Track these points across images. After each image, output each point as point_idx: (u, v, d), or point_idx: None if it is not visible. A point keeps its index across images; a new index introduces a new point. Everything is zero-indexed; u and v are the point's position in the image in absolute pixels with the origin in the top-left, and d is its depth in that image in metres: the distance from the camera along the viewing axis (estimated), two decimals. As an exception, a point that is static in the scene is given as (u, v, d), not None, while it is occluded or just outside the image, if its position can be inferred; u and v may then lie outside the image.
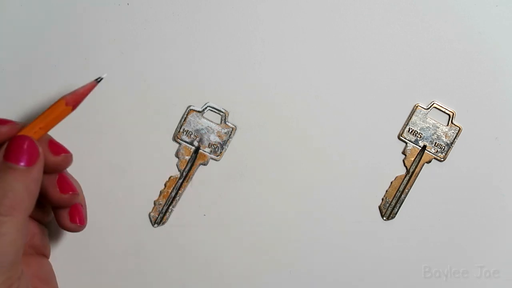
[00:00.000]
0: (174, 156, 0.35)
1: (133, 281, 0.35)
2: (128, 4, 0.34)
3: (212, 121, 0.35)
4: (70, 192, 0.30)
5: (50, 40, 0.34)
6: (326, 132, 0.35)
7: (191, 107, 0.35)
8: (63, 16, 0.34)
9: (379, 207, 0.36)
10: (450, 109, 0.35)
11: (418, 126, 0.35)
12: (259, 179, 0.35)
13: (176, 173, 0.35)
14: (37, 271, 0.31)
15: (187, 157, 0.35)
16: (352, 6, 0.35)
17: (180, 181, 0.35)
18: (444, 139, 0.35)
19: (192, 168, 0.35)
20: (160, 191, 0.35)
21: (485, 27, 0.35)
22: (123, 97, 0.35)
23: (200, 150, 0.35)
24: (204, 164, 0.35)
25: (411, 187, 0.35)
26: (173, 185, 0.35)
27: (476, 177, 0.36)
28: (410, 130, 0.35)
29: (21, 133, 0.28)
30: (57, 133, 0.34)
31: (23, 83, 0.34)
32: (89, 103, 0.34)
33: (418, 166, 0.35)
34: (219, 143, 0.35)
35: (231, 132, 0.35)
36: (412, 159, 0.35)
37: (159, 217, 0.35)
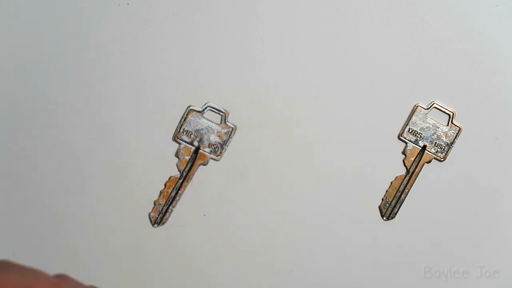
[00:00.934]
0: (174, 156, 0.35)
1: (133, 281, 0.35)
2: (128, 4, 0.34)
3: (212, 121, 0.35)
4: None
5: (50, 40, 0.34)
6: (326, 132, 0.35)
7: (191, 107, 0.35)
8: (63, 16, 0.34)
9: (379, 207, 0.36)
10: (450, 109, 0.35)
11: (418, 126, 0.35)
12: (259, 179, 0.35)
13: (176, 173, 0.35)
14: None
15: (187, 157, 0.35)
16: (352, 6, 0.35)
17: (180, 181, 0.35)
18: (444, 139, 0.35)
19: (192, 168, 0.35)
20: (160, 191, 0.35)
21: (485, 27, 0.35)
22: (123, 97, 0.35)
23: (200, 150, 0.35)
24: (204, 164, 0.35)
25: (411, 187, 0.35)
26: (173, 185, 0.35)
27: (476, 177, 0.36)
28: (410, 130, 0.35)
29: None
30: (57, 133, 0.34)
31: (23, 83, 0.34)
32: (89, 103, 0.35)
33: (418, 166, 0.35)
34: (219, 143, 0.35)
35: (231, 132, 0.35)
36: (412, 159, 0.35)
37: (159, 217, 0.35)
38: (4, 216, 0.35)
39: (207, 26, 0.35)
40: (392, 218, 0.36)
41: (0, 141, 0.35)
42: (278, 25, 0.35)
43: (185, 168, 0.35)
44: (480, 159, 0.35)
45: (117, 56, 0.34)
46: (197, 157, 0.35)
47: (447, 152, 0.35)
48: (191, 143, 0.35)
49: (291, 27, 0.35)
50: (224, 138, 0.35)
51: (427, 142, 0.35)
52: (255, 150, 0.35)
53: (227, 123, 0.35)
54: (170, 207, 0.35)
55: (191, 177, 0.35)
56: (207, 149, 0.35)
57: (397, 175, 0.35)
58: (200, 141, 0.35)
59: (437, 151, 0.35)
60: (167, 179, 0.35)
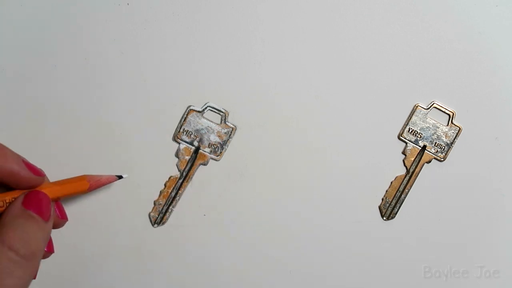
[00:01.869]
0: (174, 156, 0.35)
1: (133, 281, 0.35)
2: (128, 4, 0.34)
3: (212, 121, 0.35)
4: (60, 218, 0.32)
5: (50, 40, 0.34)
6: (326, 132, 0.35)
7: (191, 107, 0.35)
8: (63, 16, 0.34)
9: (379, 207, 0.36)
10: (450, 109, 0.35)
11: (418, 126, 0.35)
12: (259, 179, 0.35)
13: (176, 173, 0.35)
14: None
15: (187, 157, 0.35)
16: (352, 6, 0.35)
17: (180, 181, 0.35)
18: (444, 139, 0.35)
19: (192, 168, 0.35)
20: (160, 191, 0.35)
21: (485, 27, 0.35)
22: (123, 97, 0.35)
23: (200, 150, 0.35)
24: (204, 164, 0.35)
25: (411, 187, 0.35)
26: (173, 185, 0.35)
27: (476, 177, 0.36)
28: (410, 130, 0.35)
29: (43, 190, 0.29)
30: (57, 133, 0.34)
31: (23, 83, 0.34)
32: (90, 103, 0.35)
33: (418, 166, 0.35)
34: (219, 143, 0.35)
35: (231, 132, 0.35)
36: (412, 159, 0.35)
37: (159, 217, 0.35)
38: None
39: (207, 26, 0.35)
40: (392, 218, 0.36)
41: (0, 141, 0.35)
42: (278, 25, 0.35)
43: (185, 168, 0.35)
44: (480, 159, 0.35)
45: (117, 56, 0.34)
46: (197, 157, 0.35)
47: (447, 152, 0.35)
48: (191, 143, 0.35)
49: (291, 27, 0.35)
50: (224, 138, 0.35)
51: (427, 142, 0.35)
52: (255, 150, 0.35)
53: (227, 123, 0.35)
54: (170, 207, 0.35)
55: (191, 177, 0.35)
56: (207, 149, 0.35)
57: (397, 175, 0.36)
58: (200, 141, 0.35)
59: (437, 151, 0.35)
60: (167, 179, 0.35)
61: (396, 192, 0.35)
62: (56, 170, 0.35)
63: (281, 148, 0.35)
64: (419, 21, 0.35)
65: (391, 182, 0.36)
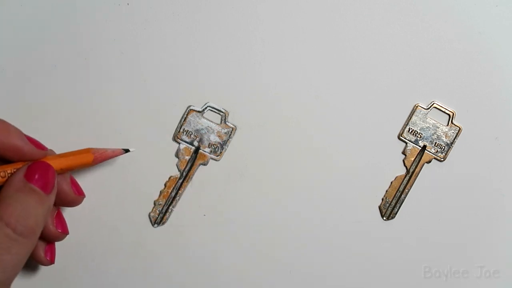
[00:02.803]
0: (174, 156, 0.35)
1: (133, 281, 0.35)
2: (128, 4, 0.34)
3: (212, 121, 0.35)
4: (60, 231, 0.31)
5: (50, 40, 0.34)
6: (326, 132, 0.35)
7: (191, 107, 0.35)
8: (63, 16, 0.34)
9: (379, 207, 0.36)
10: (450, 109, 0.35)
11: (418, 126, 0.35)
12: (259, 179, 0.35)
13: (176, 173, 0.35)
14: None
15: (187, 157, 0.35)
16: (352, 6, 0.35)
17: (180, 181, 0.35)
18: (444, 139, 0.35)
19: (192, 168, 0.35)
20: (160, 191, 0.35)
21: (485, 27, 0.35)
22: (123, 97, 0.35)
23: (200, 150, 0.35)
24: (204, 164, 0.35)
25: (411, 187, 0.35)
26: (173, 185, 0.35)
27: (476, 177, 0.36)
28: (410, 130, 0.35)
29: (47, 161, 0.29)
30: (57, 133, 0.34)
31: (23, 83, 0.34)
32: (89, 103, 0.35)
33: (418, 166, 0.35)
34: (219, 143, 0.35)
35: (231, 132, 0.35)
36: (412, 159, 0.35)
37: (159, 217, 0.35)
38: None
39: (207, 26, 0.35)
40: (392, 218, 0.36)
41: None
42: (278, 25, 0.35)
43: (185, 168, 0.35)
44: (480, 159, 0.35)
45: (117, 56, 0.34)
46: (197, 157, 0.35)
47: (447, 152, 0.35)
48: (191, 143, 0.35)
49: (291, 27, 0.35)
50: (224, 138, 0.35)
51: (427, 142, 0.35)
52: (255, 150, 0.35)
53: (227, 123, 0.35)
54: (170, 207, 0.35)
55: (191, 177, 0.35)
56: (207, 149, 0.35)
57: (397, 175, 0.35)
58: (200, 141, 0.35)
59: (437, 151, 0.35)
60: (167, 179, 0.35)
61: (396, 192, 0.35)
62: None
63: (281, 148, 0.35)
64: (419, 21, 0.35)
65: (391, 182, 0.36)
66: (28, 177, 0.27)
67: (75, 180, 0.32)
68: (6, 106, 0.34)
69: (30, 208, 0.26)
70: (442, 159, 0.35)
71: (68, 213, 0.34)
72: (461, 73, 0.35)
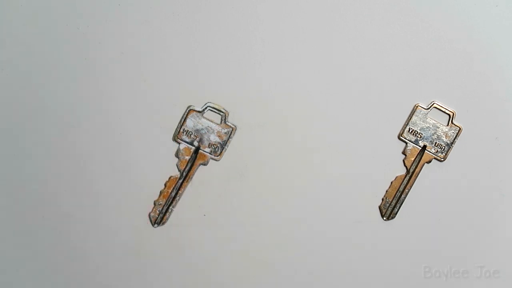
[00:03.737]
0: (174, 156, 0.35)
1: (133, 281, 0.35)
2: (127, 4, 0.34)
3: (212, 121, 0.35)
4: None
5: (50, 40, 0.34)
6: (326, 132, 0.35)
7: (191, 107, 0.35)
8: (63, 16, 0.34)
9: (379, 207, 0.36)
10: (450, 109, 0.35)
11: (418, 126, 0.35)
12: (259, 179, 0.35)
13: (176, 173, 0.35)
14: None
15: (187, 157, 0.35)
16: (352, 6, 0.35)
17: (180, 181, 0.35)
18: (444, 139, 0.35)
19: (192, 168, 0.35)
20: (160, 191, 0.35)
21: (485, 27, 0.35)
22: (123, 97, 0.35)
23: (200, 150, 0.35)
24: (204, 164, 0.35)
25: (411, 187, 0.35)
26: (173, 185, 0.35)
27: (476, 177, 0.36)
28: (410, 130, 0.35)
29: None
30: (57, 133, 0.34)
31: (23, 83, 0.34)
32: (89, 103, 0.35)
33: (418, 166, 0.35)
34: (219, 143, 0.35)
35: (231, 132, 0.35)
36: (412, 159, 0.35)
37: (159, 217, 0.35)
38: (4, 216, 0.35)
39: (207, 26, 0.35)
40: (392, 218, 0.36)
41: (0, 141, 0.35)
42: (278, 25, 0.35)
43: (185, 168, 0.35)
44: (480, 159, 0.35)
45: (117, 56, 0.34)
46: (197, 157, 0.35)
47: (447, 152, 0.35)
48: (191, 143, 0.35)
49: (291, 27, 0.35)
50: (224, 138, 0.35)
51: (427, 142, 0.35)
52: (255, 150, 0.35)
53: (227, 123, 0.35)
54: (170, 207, 0.35)
55: (191, 177, 0.35)
56: (207, 149, 0.35)
57: (397, 175, 0.35)
58: (200, 141, 0.35)
59: (437, 151, 0.35)
60: (167, 179, 0.35)
61: (396, 192, 0.35)
62: (56, 170, 0.35)
63: (281, 148, 0.35)
64: (419, 21, 0.35)
65: (391, 182, 0.35)
66: None
67: None
68: (6, 106, 0.34)
69: None
70: (442, 159, 0.35)
71: (68, 213, 0.34)
72: (461, 73, 0.35)
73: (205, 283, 0.36)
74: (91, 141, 0.35)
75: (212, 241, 0.35)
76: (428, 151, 0.35)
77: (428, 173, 0.36)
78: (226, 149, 0.35)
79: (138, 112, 0.35)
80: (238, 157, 0.35)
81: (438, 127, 0.35)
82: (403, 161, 0.35)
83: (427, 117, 0.35)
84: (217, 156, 0.35)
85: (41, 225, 0.35)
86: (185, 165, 0.35)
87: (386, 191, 0.36)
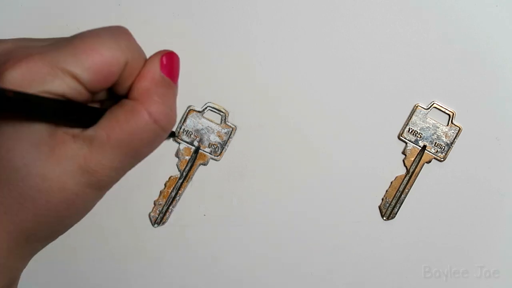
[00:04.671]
0: (174, 156, 0.35)
1: (133, 281, 0.35)
2: (127, 4, 0.34)
3: (212, 121, 0.35)
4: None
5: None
6: (326, 132, 0.35)
7: (191, 107, 0.35)
8: (63, 16, 0.34)
9: (379, 207, 0.36)
10: (450, 109, 0.35)
11: (418, 126, 0.35)
12: (259, 179, 0.35)
13: (176, 173, 0.35)
14: None
15: (187, 157, 0.35)
16: (352, 6, 0.35)
17: (180, 181, 0.35)
18: (444, 139, 0.35)
19: (192, 168, 0.35)
20: (160, 191, 0.35)
21: (485, 27, 0.35)
22: (123, 97, 0.35)
23: (200, 150, 0.35)
24: (204, 164, 0.35)
25: (411, 187, 0.35)
26: (173, 185, 0.35)
27: (476, 177, 0.36)
28: (410, 130, 0.35)
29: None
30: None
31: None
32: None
33: (418, 166, 0.35)
34: (219, 143, 0.35)
35: (231, 132, 0.35)
36: (412, 159, 0.35)
37: (159, 217, 0.35)
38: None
39: (207, 26, 0.35)
40: (392, 218, 0.36)
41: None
42: (278, 25, 0.35)
43: (185, 168, 0.35)
44: (480, 159, 0.35)
45: (117, 56, 0.34)
46: (197, 157, 0.35)
47: (447, 152, 0.35)
48: (191, 143, 0.35)
49: (291, 27, 0.35)
50: (224, 138, 0.35)
51: (427, 142, 0.35)
52: (255, 150, 0.35)
53: (227, 123, 0.35)
54: (170, 207, 0.35)
55: (191, 177, 0.35)
56: (207, 149, 0.35)
57: (397, 175, 0.35)
58: (200, 141, 0.35)
59: (437, 151, 0.35)
60: (167, 179, 0.35)
61: (396, 192, 0.35)
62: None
63: (281, 148, 0.35)
64: (419, 21, 0.35)
65: (391, 182, 0.36)
66: (164, 70, 0.26)
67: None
68: (6, 106, 0.34)
69: (172, 104, 0.25)
70: (442, 159, 0.35)
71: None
72: (461, 73, 0.35)
73: (205, 282, 0.36)
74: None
75: (212, 241, 0.36)
76: (428, 151, 0.35)
77: (428, 173, 0.36)
78: (226, 149, 0.35)
79: (138, 112, 0.35)
80: (238, 157, 0.35)
81: (438, 127, 0.35)
82: (403, 161, 0.35)
83: (427, 117, 0.35)
84: (217, 156, 0.35)
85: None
86: (185, 165, 0.35)
87: (386, 191, 0.36)
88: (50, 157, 0.22)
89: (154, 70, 0.25)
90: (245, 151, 0.35)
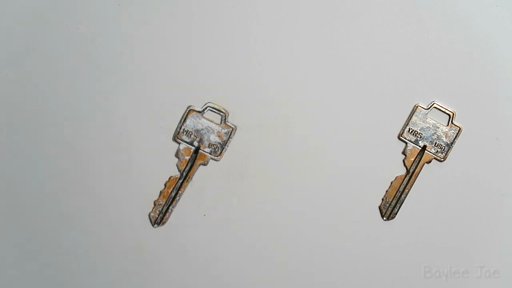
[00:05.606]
0: (174, 156, 0.35)
1: (133, 281, 0.35)
2: (127, 4, 0.34)
3: (212, 121, 0.35)
4: None
5: (50, 40, 0.34)
6: (326, 132, 0.35)
7: (191, 107, 0.35)
8: (62, 16, 0.34)
9: (379, 207, 0.36)
10: (450, 109, 0.35)
11: (418, 126, 0.35)
12: (259, 179, 0.35)
13: (176, 173, 0.35)
14: None
15: (187, 157, 0.35)
16: (352, 6, 0.35)
17: (180, 181, 0.35)
18: (444, 139, 0.35)
19: (192, 168, 0.35)
20: (160, 191, 0.35)
21: (485, 27, 0.35)
22: (123, 97, 0.35)
23: (200, 150, 0.35)
24: (204, 164, 0.35)
25: (411, 187, 0.35)
26: (173, 185, 0.35)
27: (476, 177, 0.36)
28: (410, 130, 0.35)
29: None
30: (57, 133, 0.34)
31: (23, 83, 0.34)
32: (89, 103, 0.35)
33: (418, 166, 0.35)
34: (219, 143, 0.35)
35: (231, 132, 0.35)
36: (412, 159, 0.35)
37: (159, 217, 0.35)
38: (5, 216, 0.35)
39: (207, 26, 0.35)
40: (392, 218, 0.36)
41: (0, 141, 0.35)
42: (278, 25, 0.35)
43: (185, 168, 0.35)
44: (480, 159, 0.35)
45: (117, 56, 0.34)
46: (197, 157, 0.35)
47: (447, 152, 0.35)
48: (191, 143, 0.35)
49: (291, 27, 0.35)
50: (224, 138, 0.35)
51: (427, 142, 0.35)
52: (255, 150, 0.35)
53: (227, 123, 0.35)
54: (170, 207, 0.35)
55: (191, 177, 0.35)
56: (207, 149, 0.35)
57: (397, 175, 0.35)
58: (200, 141, 0.35)
59: (437, 151, 0.35)
60: (167, 179, 0.35)
61: (396, 192, 0.35)
62: (56, 170, 0.35)
63: (281, 148, 0.35)
64: (419, 21, 0.35)
65: (391, 182, 0.36)
66: None
67: None
68: (6, 106, 0.34)
69: None
70: (442, 159, 0.35)
71: (68, 213, 0.34)
72: (461, 73, 0.35)
73: (205, 283, 0.36)
74: (91, 141, 0.35)
75: (212, 241, 0.36)
76: (428, 151, 0.35)
77: (428, 173, 0.36)
78: (226, 149, 0.35)
79: (138, 112, 0.35)
80: (238, 157, 0.35)
81: (438, 127, 0.35)
82: (403, 161, 0.35)
83: (427, 117, 0.35)
84: (217, 156, 0.35)
85: (42, 225, 0.35)
86: (185, 165, 0.35)
87: (386, 191, 0.36)
88: None
89: None
90: (245, 151, 0.35)
